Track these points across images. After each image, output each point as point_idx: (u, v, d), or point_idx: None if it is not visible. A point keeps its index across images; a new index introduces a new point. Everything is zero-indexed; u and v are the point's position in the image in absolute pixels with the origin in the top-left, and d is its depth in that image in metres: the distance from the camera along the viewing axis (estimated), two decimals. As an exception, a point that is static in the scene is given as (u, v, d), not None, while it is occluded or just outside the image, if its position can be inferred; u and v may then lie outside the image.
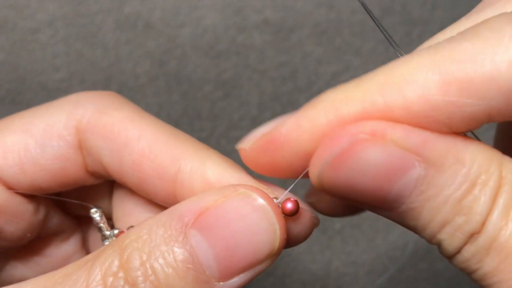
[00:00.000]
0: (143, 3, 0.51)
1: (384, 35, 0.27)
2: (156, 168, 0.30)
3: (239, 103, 0.53)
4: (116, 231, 0.34)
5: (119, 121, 0.31)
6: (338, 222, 0.55)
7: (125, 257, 0.25)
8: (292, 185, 0.28)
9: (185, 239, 0.25)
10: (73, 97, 0.33)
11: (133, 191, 0.34)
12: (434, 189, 0.23)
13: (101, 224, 0.34)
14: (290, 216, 0.27)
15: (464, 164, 0.23)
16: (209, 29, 0.52)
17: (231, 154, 0.31)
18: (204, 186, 0.29)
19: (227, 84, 0.53)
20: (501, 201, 0.23)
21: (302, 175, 0.26)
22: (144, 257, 0.25)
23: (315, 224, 0.29)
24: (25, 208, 0.33)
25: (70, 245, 0.37)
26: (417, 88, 0.23)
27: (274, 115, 0.53)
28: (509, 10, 0.25)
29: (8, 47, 0.51)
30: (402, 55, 0.27)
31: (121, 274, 0.25)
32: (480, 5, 0.28)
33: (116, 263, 0.25)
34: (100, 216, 0.34)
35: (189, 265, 0.25)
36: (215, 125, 0.53)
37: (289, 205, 0.27)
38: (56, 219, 0.36)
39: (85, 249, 0.38)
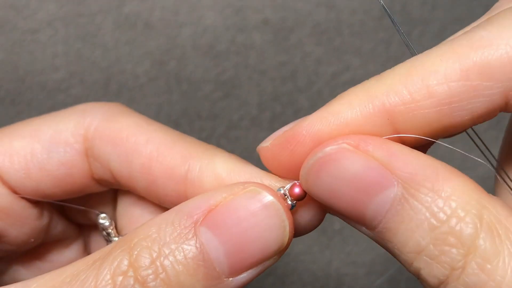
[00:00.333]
0: (143, 3, 0.51)
1: (401, 36, 0.28)
2: (165, 169, 0.31)
3: (239, 103, 0.53)
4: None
5: (127, 127, 0.32)
6: (338, 222, 0.55)
7: (134, 255, 0.25)
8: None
9: (195, 236, 0.25)
10: (81, 106, 0.34)
11: (139, 198, 0.34)
12: (409, 211, 0.24)
13: (110, 230, 0.34)
14: (298, 200, 0.27)
15: (440, 195, 0.23)
16: (209, 29, 0.52)
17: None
18: (215, 182, 0.30)
19: (227, 84, 0.53)
20: (480, 247, 0.23)
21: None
22: (154, 255, 0.25)
23: (323, 212, 0.29)
24: (29, 212, 0.33)
25: (72, 251, 0.37)
26: (439, 77, 0.24)
27: (274, 115, 0.53)
28: None
29: (8, 47, 0.51)
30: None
31: (130, 273, 0.25)
32: (492, 8, 0.28)
33: (125, 262, 0.25)
34: (109, 222, 0.34)
35: (199, 262, 0.25)
36: (215, 125, 0.53)
37: (297, 190, 0.27)
38: (59, 226, 0.36)
39: (86, 255, 0.38)
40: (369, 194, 0.24)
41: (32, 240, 0.34)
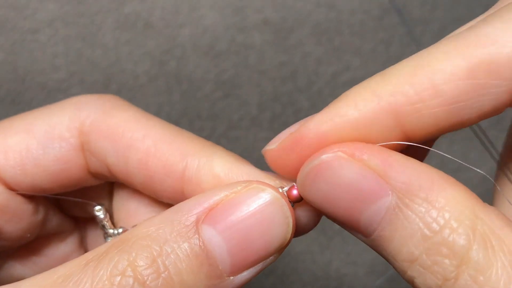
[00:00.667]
0: (143, 3, 0.51)
1: (406, 26, 0.28)
2: (163, 165, 0.30)
3: (239, 103, 0.53)
4: (120, 230, 0.34)
5: (123, 121, 0.32)
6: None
7: (133, 254, 0.25)
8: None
9: (197, 234, 0.25)
10: (75, 99, 0.33)
11: (135, 191, 0.34)
12: (403, 221, 0.24)
13: (105, 222, 0.34)
14: (296, 202, 0.28)
15: (434, 205, 0.23)
16: (209, 29, 0.52)
17: (231, 154, 0.31)
18: (212, 181, 0.29)
19: (227, 84, 0.53)
20: (473, 259, 0.23)
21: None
22: (155, 254, 0.25)
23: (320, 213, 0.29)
24: (25, 208, 0.33)
25: (68, 245, 0.37)
26: (446, 76, 0.23)
27: (274, 115, 0.53)
28: None
29: (8, 47, 0.51)
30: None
31: (129, 273, 0.24)
32: (495, 5, 0.28)
33: (124, 262, 0.24)
34: (104, 214, 0.34)
35: (203, 260, 0.25)
36: (215, 125, 0.53)
37: (295, 192, 0.27)
38: (55, 219, 0.36)
39: (83, 249, 0.38)
40: (363, 202, 0.24)
41: (28, 235, 0.34)
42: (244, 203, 0.26)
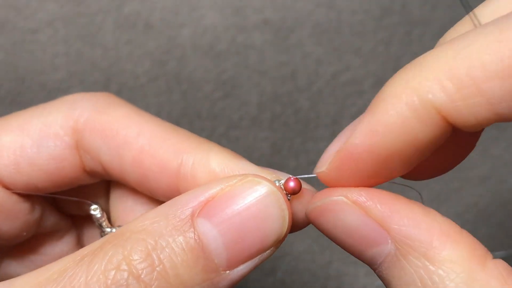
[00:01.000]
0: (143, 3, 0.51)
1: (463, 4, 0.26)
2: (157, 163, 0.30)
3: (239, 103, 0.53)
4: (118, 228, 0.34)
5: (117, 119, 0.31)
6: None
7: (128, 248, 0.24)
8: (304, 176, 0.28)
9: (192, 228, 0.25)
10: (70, 97, 0.33)
11: (132, 190, 0.34)
12: (400, 271, 0.24)
13: (101, 221, 0.34)
14: (292, 194, 0.28)
15: (431, 263, 0.23)
16: (209, 29, 0.52)
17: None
18: (208, 177, 0.29)
19: (227, 84, 0.53)
20: None
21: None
22: (150, 248, 0.24)
23: None
24: (20, 207, 0.33)
25: (64, 243, 0.37)
26: (488, 73, 0.22)
27: (274, 115, 0.53)
28: None
29: (8, 47, 0.51)
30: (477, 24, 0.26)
31: (124, 267, 0.24)
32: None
33: (118, 256, 0.24)
34: (101, 213, 0.34)
35: (199, 254, 0.25)
36: (215, 125, 0.53)
37: (292, 184, 0.27)
38: (51, 218, 0.36)
39: (80, 247, 0.38)
40: (364, 246, 0.25)
41: (24, 233, 0.34)
42: (240, 196, 0.26)
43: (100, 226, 0.34)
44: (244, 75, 0.53)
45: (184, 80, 0.52)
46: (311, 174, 0.28)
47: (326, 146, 0.27)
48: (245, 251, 0.26)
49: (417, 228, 0.24)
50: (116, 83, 0.52)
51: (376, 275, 0.26)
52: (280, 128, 0.54)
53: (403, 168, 0.25)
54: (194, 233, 0.25)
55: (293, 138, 0.54)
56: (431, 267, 0.23)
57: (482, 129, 0.26)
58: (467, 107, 0.22)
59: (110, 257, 0.24)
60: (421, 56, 0.24)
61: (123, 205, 0.34)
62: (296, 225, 0.29)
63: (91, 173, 0.33)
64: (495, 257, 0.24)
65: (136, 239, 0.25)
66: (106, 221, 0.34)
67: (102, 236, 0.34)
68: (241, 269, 0.26)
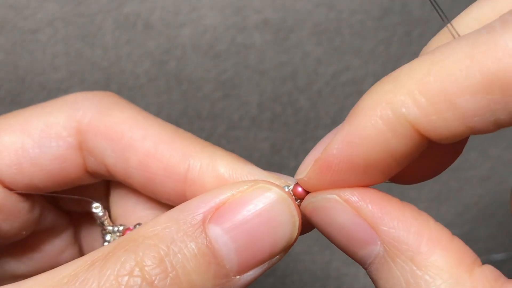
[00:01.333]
0: (143, 3, 0.51)
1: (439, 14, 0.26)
2: (164, 167, 0.30)
3: (239, 103, 0.53)
4: (121, 227, 0.34)
5: (122, 121, 0.31)
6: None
7: (141, 254, 0.24)
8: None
9: (203, 233, 0.25)
10: (71, 97, 0.33)
11: (132, 190, 0.33)
12: (387, 273, 0.24)
13: (103, 219, 0.34)
14: (302, 199, 0.28)
15: (418, 267, 0.23)
16: (209, 29, 0.52)
17: (231, 154, 0.31)
18: (216, 182, 0.29)
19: (227, 84, 0.53)
20: None
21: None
22: (163, 254, 0.24)
23: None
24: (21, 206, 0.33)
25: (62, 240, 0.37)
26: (461, 89, 0.22)
27: (274, 115, 0.53)
28: None
29: (8, 47, 0.51)
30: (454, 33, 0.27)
31: (137, 273, 0.24)
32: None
33: (131, 262, 0.24)
34: (103, 211, 0.34)
35: (210, 260, 0.25)
36: (215, 125, 0.53)
37: (300, 189, 0.27)
38: (50, 216, 0.36)
39: (77, 244, 0.38)
40: (354, 245, 0.25)
41: (24, 232, 0.34)
42: (251, 202, 0.26)
43: (102, 224, 0.34)
44: (244, 75, 0.53)
45: (184, 80, 0.52)
46: None
47: (326, 146, 0.27)
48: (255, 256, 0.26)
49: (406, 231, 0.24)
50: (116, 83, 0.52)
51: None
52: (280, 128, 0.54)
53: (382, 176, 0.25)
54: (206, 239, 0.25)
55: (293, 138, 0.54)
56: (418, 271, 0.23)
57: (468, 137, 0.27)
58: (440, 121, 0.23)
59: (122, 263, 0.24)
60: (397, 70, 0.24)
61: (124, 204, 0.34)
62: (304, 229, 0.29)
63: (93, 174, 0.33)
64: (494, 259, 0.24)
65: (148, 245, 0.25)
66: (108, 219, 0.34)
67: (103, 234, 0.34)
68: (251, 274, 0.26)
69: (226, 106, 0.53)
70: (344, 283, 0.56)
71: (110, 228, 0.34)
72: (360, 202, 0.25)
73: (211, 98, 0.53)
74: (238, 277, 0.26)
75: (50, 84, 0.51)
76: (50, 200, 0.36)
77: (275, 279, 0.56)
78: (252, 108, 0.53)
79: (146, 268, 0.24)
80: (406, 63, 0.25)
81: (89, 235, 0.38)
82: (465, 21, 0.27)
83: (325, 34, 0.53)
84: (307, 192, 0.27)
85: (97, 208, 0.33)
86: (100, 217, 0.34)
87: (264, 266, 0.26)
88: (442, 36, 0.28)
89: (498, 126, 0.23)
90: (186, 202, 0.26)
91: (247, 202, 0.26)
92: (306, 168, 0.27)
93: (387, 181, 0.27)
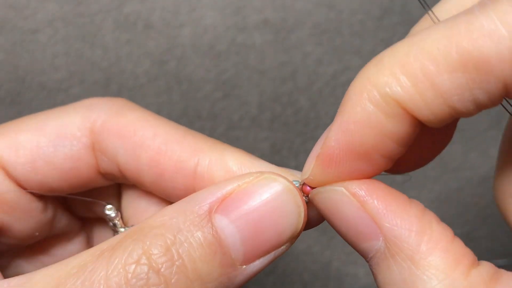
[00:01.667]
0: (143, 3, 0.51)
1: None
2: (174, 163, 0.31)
3: (239, 103, 0.53)
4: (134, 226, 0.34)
5: (134, 121, 0.32)
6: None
7: (148, 243, 0.25)
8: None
9: (210, 223, 0.25)
10: (87, 101, 0.34)
11: (144, 192, 0.34)
12: (386, 269, 0.25)
13: (116, 221, 0.34)
14: (308, 196, 0.28)
15: (416, 267, 0.24)
16: (209, 29, 0.52)
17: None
18: (225, 176, 0.30)
19: (227, 84, 0.53)
20: None
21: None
22: (169, 243, 0.25)
23: None
24: (34, 206, 0.33)
25: (75, 245, 0.37)
26: (439, 67, 0.22)
27: (274, 115, 0.53)
28: None
29: (8, 47, 0.51)
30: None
31: (144, 261, 0.24)
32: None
33: (138, 250, 0.25)
34: (115, 213, 0.34)
35: (216, 249, 0.25)
36: (215, 125, 0.53)
37: (308, 188, 0.28)
38: (63, 219, 0.36)
39: None
40: (357, 238, 0.25)
41: (37, 233, 0.34)
42: (257, 192, 0.26)
43: (114, 226, 0.34)
44: (244, 75, 0.53)
45: (184, 80, 0.52)
46: None
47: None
48: (261, 246, 0.26)
49: (408, 230, 0.24)
50: (116, 83, 0.52)
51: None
52: (280, 128, 0.54)
53: (384, 161, 0.26)
54: (212, 229, 0.25)
55: (293, 138, 0.54)
56: (416, 271, 0.24)
57: (456, 121, 0.27)
58: (422, 100, 0.23)
59: (130, 252, 0.25)
60: (380, 53, 0.25)
61: (135, 207, 0.35)
62: (309, 223, 0.29)
63: (105, 175, 0.33)
64: (496, 265, 0.24)
65: (155, 234, 0.25)
66: (121, 220, 0.34)
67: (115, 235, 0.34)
68: (257, 264, 0.26)
69: (226, 106, 0.53)
70: (344, 283, 0.56)
71: (122, 230, 0.34)
72: (366, 197, 0.25)
73: (211, 98, 0.53)
74: (244, 266, 0.26)
75: (50, 84, 0.51)
76: (64, 204, 0.36)
77: (275, 279, 0.56)
78: (252, 108, 0.53)
79: (153, 257, 0.25)
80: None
81: (102, 241, 0.38)
82: (446, 8, 0.28)
83: (325, 34, 0.53)
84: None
85: (110, 210, 0.34)
86: (112, 218, 0.34)
87: (270, 256, 0.27)
88: (424, 23, 0.28)
89: (478, 106, 0.23)
90: (193, 194, 0.27)
91: (253, 192, 0.26)
92: (310, 167, 0.27)
93: (383, 173, 0.27)
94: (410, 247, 0.24)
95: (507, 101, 0.25)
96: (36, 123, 0.33)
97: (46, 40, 0.51)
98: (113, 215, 0.34)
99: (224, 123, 0.53)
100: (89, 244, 0.38)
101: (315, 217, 0.29)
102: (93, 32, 0.51)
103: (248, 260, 0.26)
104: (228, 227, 0.26)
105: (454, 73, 0.22)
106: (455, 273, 0.23)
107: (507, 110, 0.26)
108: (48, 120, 0.33)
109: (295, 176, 0.29)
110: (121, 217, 0.35)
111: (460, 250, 0.24)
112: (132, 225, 0.34)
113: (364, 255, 0.26)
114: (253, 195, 0.26)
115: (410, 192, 0.57)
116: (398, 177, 0.30)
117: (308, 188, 0.28)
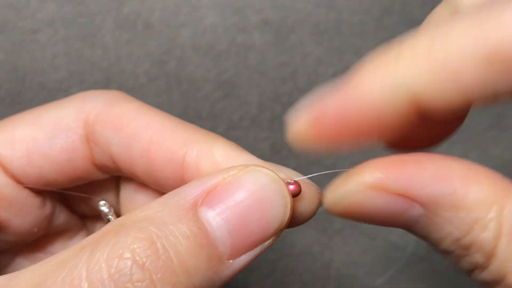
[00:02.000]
0: (143, 3, 0.51)
1: None
2: (164, 153, 0.30)
3: (239, 103, 0.53)
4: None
5: (128, 112, 0.32)
6: (338, 222, 0.55)
7: (131, 237, 0.24)
8: (309, 175, 0.28)
9: (195, 216, 0.25)
10: (82, 94, 0.34)
11: (141, 186, 0.34)
12: (434, 226, 0.24)
13: (110, 216, 0.34)
14: (292, 197, 0.28)
15: (462, 209, 0.23)
16: (209, 29, 0.52)
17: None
18: (211, 167, 0.29)
19: (227, 84, 0.53)
20: (503, 247, 0.23)
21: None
22: (154, 236, 0.24)
23: (320, 201, 0.29)
24: (32, 201, 0.33)
25: (75, 243, 0.37)
26: (464, 57, 0.22)
27: (274, 115, 0.53)
28: None
29: (8, 47, 0.51)
30: None
31: (127, 255, 0.24)
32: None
33: (121, 244, 0.24)
34: (109, 208, 0.34)
35: (202, 242, 0.25)
36: (215, 125, 0.53)
37: (291, 187, 0.27)
38: (62, 216, 0.36)
39: None
40: (393, 217, 0.25)
41: (35, 230, 0.34)
42: (242, 184, 0.26)
43: (108, 222, 0.34)
44: (244, 75, 0.53)
45: (184, 80, 0.52)
46: (312, 173, 0.28)
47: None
48: (248, 238, 0.26)
49: (437, 182, 0.24)
50: (116, 83, 0.52)
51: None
52: (280, 128, 0.54)
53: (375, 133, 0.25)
54: (198, 221, 0.25)
55: (293, 138, 0.54)
56: (461, 213, 0.23)
57: (468, 109, 0.27)
58: (443, 91, 0.23)
59: (112, 246, 0.24)
60: (400, 42, 0.25)
61: (134, 201, 0.35)
62: (298, 219, 0.29)
63: (100, 167, 0.33)
64: None
65: (138, 228, 0.24)
66: (114, 216, 0.34)
67: None
68: (244, 259, 0.26)
69: (226, 106, 0.53)
70: (344, 283, 0.56)
71: None
72: (388, 179, 0.24)
73: (211, 98, 0.53)
74: (231, 261, 0.26)
75: (50, 84, 0.51)
76: (62, 200, 0.36)
77: (275, 279, 0.56)
78: (252, 108, 0.53)
79: (137, 250, 0.24)
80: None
81: None
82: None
83: (325, 34, 0.53)
84: (299, 191, 0.28)
85: (103, 205, 0.34)
86: (106, 214, 0.34)
87: (256, 250, 0.26)
88: (441, 11, 0.28)
89: (498, 97, 0.23)
90: (177, 189, 0.26)
91: (238, 184, 0.26)
92: (302, 119, 0.26)
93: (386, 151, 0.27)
94: (447, 197, 0.23)
95: None
96: (31, 117, 0.33)
97: (46, 40, 0.51)
98: (106, 210, 0.34)
99: (224, 123, 0.53)
100: None
101: (302, 213, 0.29)
102: (93, 32, 0.51)
103: (235, 254, 0.26)
104: (215, 219, 0.25)
105: (478, 66, 0.22)
106: (498, 197, 0.23)
107: None
108: (43, 114, 0.33)
109: (283, 173, 0.29)
110: (120, 212, 0.35)
111: (491, 177, 0.24)
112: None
113: (406, 228, 0.25)
114: (239, 187, 0.26)
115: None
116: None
117: (291, 187, 0.27)
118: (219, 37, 0.52)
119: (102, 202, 0.34)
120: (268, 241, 0.26)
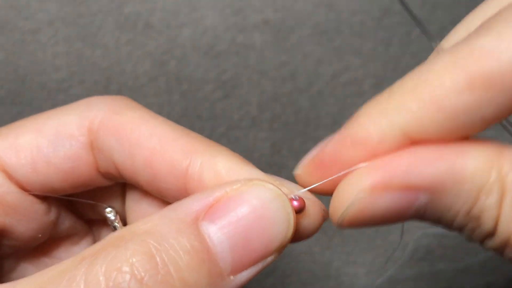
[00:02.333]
0: (143, 3, 0.51)
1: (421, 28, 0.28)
2: (167, 163, 0.30)
3: (239, 103, 0.53)
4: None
5: (131, 120, 0.32)
6: (338, 222, 0.55)
7: (131, 250, 0.24)
8: (309, 188, 0.28)
9: (196, 231, 0.25)
10: (86, 100, 0.33)
11: (146, 193, 0.34)
12: (443, 207, 0.24)
13: (116, 223, 0.34)
14: (296, 213, 0.27)
15: (465, 182, 0.24)
16: (209, 29, 0.52)
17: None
18: (214, 179, 0.29)
19: (227, 84, 0.53)
20: (506, 207, 0.24)
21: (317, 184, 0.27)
22: (154, 250, 0.24)
23: (324, 217, 0.29)
24: (36, 208, 0.33)
25: (81, 248, 0.37)
26: (446, 90, 0.23)
27: (274, 115, 0.53)
28: None
29: (8, 47, 0.51)
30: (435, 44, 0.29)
31: (126, 269, 0.23)
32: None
33: (121, 257, 0.24)
34: (115, 215, 0.34)
35: (203, 257, 0.24)
36: (215, 125, 0.53)
37: (295, 203, 0.27)
38: (67, 222, 0.36)
39: None
40: (403, 213, 0.25)
41: (40, 235, 0.34)
42: (245, 199, 0.26)
43: (115, 229, 0.34)
44: (244, 75, 0.53)
45: (184, 80, 0.52)
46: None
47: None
48: (250, 254, 0.25)
49: (434, 165, 0.24)
50: (116, 83, 0.52)
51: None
52: (280, 128, 0.54)
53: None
54: (200, 236, 0.25)
55: (293, 138, 0.54)
56: (466, 186, 0.24)
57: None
58: (430, 122, 0.24)
59: (111, 259, 0.24)
60: (393, 84, 0.26)
61: (139, 209, 0.34)
62: (302, 235, 0.29)
63: (105, 174, 0.33)
64: None
65: (138, 241, 0.24)
66: (120, 223, 0.34)
67: None
68: (245, 275, 0.25)
69: (226, 106, 0.53)
70: (344, 283, 0.56)
71: None
72: (386, 178, 0.25)
73: (211, 98, 0.53)
74: (232, 277, 0.25)
75: (50, 84, 0.51)
76: (68, 206, 0.36)
77: (275, 279, 0.56)
78: (252, 108, 0.53)
79: (135, 264, 0.23)
80: (406, 63, 0.26)
81: None
82: (454, 39, 0.29)
83: (325, 34, 0.53)
84: (303, 207, 0.27)
85: (109, 212, 0.34)
86: (112, 221, 0.34)
87: (258, 266, 0.26)
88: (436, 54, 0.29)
89: (485, 122, 0.24)
90: (179, 201, 0.26)
91: (241, 199, 0.26)
92: (303, 165, 0.27)
93: None
94: (448, 180, 0.24)
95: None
96: (35, 124, 0.32)
97: (46, 40, 0.51)
98: (112, 217, 0.34)
99: (224, 123, 0.53)
100: None
101: (306, 229, 0.28)
102: (93, 32, 0.51)
103: (236, 270, 0.25)
104: (216, 234, 0.25)
105: (462, 94, 0.23)
106: (495, 161, 0.24)
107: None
108: (47, 120, 0.33)
109: (286, 187, 0.28)
110: (126, 219, 0.35)
111: (482, 143, 0.24)
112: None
113: (415, 218, 0.25)
114: (242, 202, 0.25)
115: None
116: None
117: (295, 204, 0.27)
118: (219, 37, 0.52)
119: (108, 209, 0.34)
120: (270, 257, 0.26)
